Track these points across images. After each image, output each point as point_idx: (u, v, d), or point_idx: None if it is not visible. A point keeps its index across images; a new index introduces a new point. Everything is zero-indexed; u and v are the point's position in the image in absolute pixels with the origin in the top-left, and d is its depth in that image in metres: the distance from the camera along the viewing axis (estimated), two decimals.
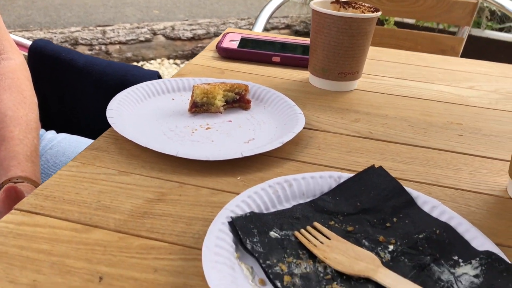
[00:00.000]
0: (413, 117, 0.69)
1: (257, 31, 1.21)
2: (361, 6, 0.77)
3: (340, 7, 0.79)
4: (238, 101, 0.67)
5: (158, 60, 3.20)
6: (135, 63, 3.15)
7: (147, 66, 3.13)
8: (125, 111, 0.62)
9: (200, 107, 0.65)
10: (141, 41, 3.18)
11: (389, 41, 1.48)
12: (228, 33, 0.95)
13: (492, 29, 2.39)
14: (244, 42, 0.91)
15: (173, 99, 0.69)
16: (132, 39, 3.16)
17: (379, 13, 0.73)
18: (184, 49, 3.24)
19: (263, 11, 1.23)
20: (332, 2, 0.79)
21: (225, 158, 0.52)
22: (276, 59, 0.86)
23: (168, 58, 3.24)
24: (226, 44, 0.88)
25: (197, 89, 0.64)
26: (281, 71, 0.84)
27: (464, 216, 0.48)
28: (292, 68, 0.85)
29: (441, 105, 0.74)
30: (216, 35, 3.32)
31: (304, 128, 0.63)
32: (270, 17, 1.23)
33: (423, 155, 0.59)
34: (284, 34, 3.76)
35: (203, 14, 4.49)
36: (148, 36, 3.20)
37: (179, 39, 3.26)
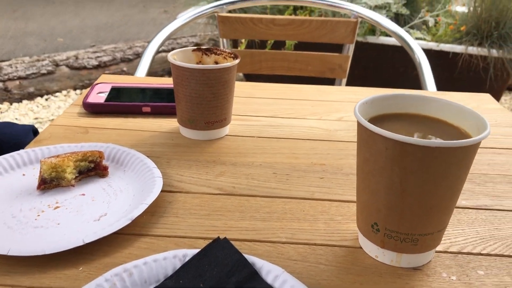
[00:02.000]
0: (279, 162, 0.69)
1: (140, 76, 1.18)
2: (222, 53, 0.77)
3: (202, 54, 0.78)
4: (94, 169, 0.64)
5: (64, 92, 3.06)
6: (38, 98, 2.99)
7: (52, 99, 2.98)
8: None
9: (49, 183, 0.60)
10: (43, 74, 3.02)
11: (282, 64, 1.51)
12: (98, 83, 0.91)
13: (386, 35, 2.53)
14: (113, 92, 0.87)
15: (23, 174, 0.64)
16: (33, 73, 3.00)
17: (237, 61, 0.73)
18: (91, 78, 3.12)
19: (145, 52, 1.20)
20: (193, 50, 0.78)
21: (64, 248, 0.48)
22: (147, 109, 0.83)
23: (75, 89, 3.10)
24: (92, 98, 0.84)
25: (44, 164, 0.60)
26: (151, 122, 0.81)
27: (313, 276, 0.48)
28: (163, 117, 0.83)
29: (308, 144, 0.75)
30: (123, 60, 3.23)
31: (164, 191, 0.61)
32: (153, 58, 1.19)
33: (282, 207, 0.59)
34: None
35: (111, 38, 4.37)
36: (50, 68, 3.05)
37: (84, 68, 3.13)
